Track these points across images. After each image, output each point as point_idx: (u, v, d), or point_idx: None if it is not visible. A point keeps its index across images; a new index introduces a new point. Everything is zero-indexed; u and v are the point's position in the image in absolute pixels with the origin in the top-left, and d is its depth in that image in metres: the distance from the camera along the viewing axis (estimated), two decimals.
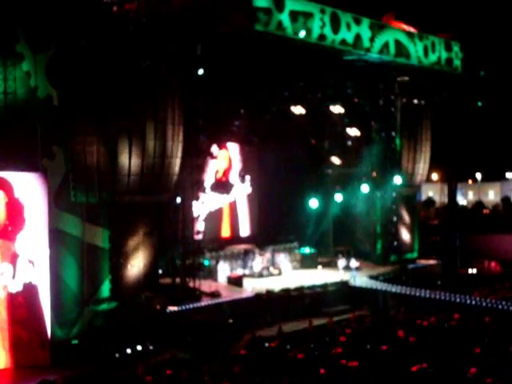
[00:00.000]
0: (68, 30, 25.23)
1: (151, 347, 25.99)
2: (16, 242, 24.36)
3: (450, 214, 46.30)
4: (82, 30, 25.48)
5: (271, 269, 37.62)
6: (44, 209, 24.66)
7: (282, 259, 38.76)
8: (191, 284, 30.95)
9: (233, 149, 39.65)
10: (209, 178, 36.95)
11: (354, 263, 36.96)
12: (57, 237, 25.18)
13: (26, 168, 24.56)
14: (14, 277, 24.29)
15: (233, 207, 40.17)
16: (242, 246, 38.32)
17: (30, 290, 24.56)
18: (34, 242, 24.52)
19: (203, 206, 34.08)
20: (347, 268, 37.15)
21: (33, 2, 24.61)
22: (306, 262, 39.69)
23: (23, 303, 24.51)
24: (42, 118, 25.10)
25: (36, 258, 24.52)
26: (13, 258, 24.29)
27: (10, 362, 24.42)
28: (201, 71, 30.14)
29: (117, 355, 25.00)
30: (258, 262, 37.33)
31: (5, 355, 24.39)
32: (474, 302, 31.63)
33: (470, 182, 73.10)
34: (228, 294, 31.82)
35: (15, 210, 24.36)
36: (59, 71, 25.19)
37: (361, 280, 36.07)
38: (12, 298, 24.40)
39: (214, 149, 36.47)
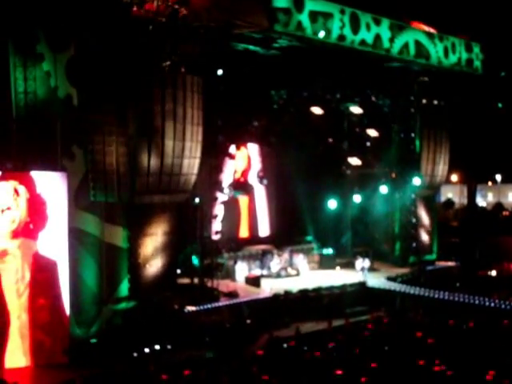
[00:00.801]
0: (88, 29, 25.34)
1: (169, 347, 26.02)
2: (38, 240, 24.15)
3: (470, 215, 46.03)
4: (101, 29, 25.59)
5: (289, 269, 37.55)
6: (64, 208, 24.66)
7: (300, 260, 38.64)
8: (209, 284, 31.00)
9: (251, 149, 39.66)
10: (227, 178, 36.97)
11: (366, 263, 36.82)
12: (76, 236, 25.25)
13: (46, 167, 24.62)
14: (34, 277, 24.23)
15: (251, 207, 40.16)
16: (260, 247, 38.27)
17: (51, 292, 24.40)
18: (54, 240, 24.51)
19: (221, 206, 34.13)
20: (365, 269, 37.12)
21: (53, 2, 24.74)
22: (325, 263, 39.57)
23: (45, 306, 24.35)
24: (61, 117, 25.22)
25: (57, 258, 24.54)
26: (34, 257, 24.20)
27: (28, 361, 24.35)
28: (220, 71, 30.23)
29: (135, 354, 25.03)
30: (276, 262, 37.27)
31: (24, 356, 24.24)
32: (493, 305, 31.41)
33: (489, 183, 72.71)
34: (246, 295, 31.83)
35: (37, 207, 24.04)
36: (79, 71, 25.33)
37: (379, 281, 35.97)
38: (33, 301, 24.19)
39: (233, 149, 36.47)
